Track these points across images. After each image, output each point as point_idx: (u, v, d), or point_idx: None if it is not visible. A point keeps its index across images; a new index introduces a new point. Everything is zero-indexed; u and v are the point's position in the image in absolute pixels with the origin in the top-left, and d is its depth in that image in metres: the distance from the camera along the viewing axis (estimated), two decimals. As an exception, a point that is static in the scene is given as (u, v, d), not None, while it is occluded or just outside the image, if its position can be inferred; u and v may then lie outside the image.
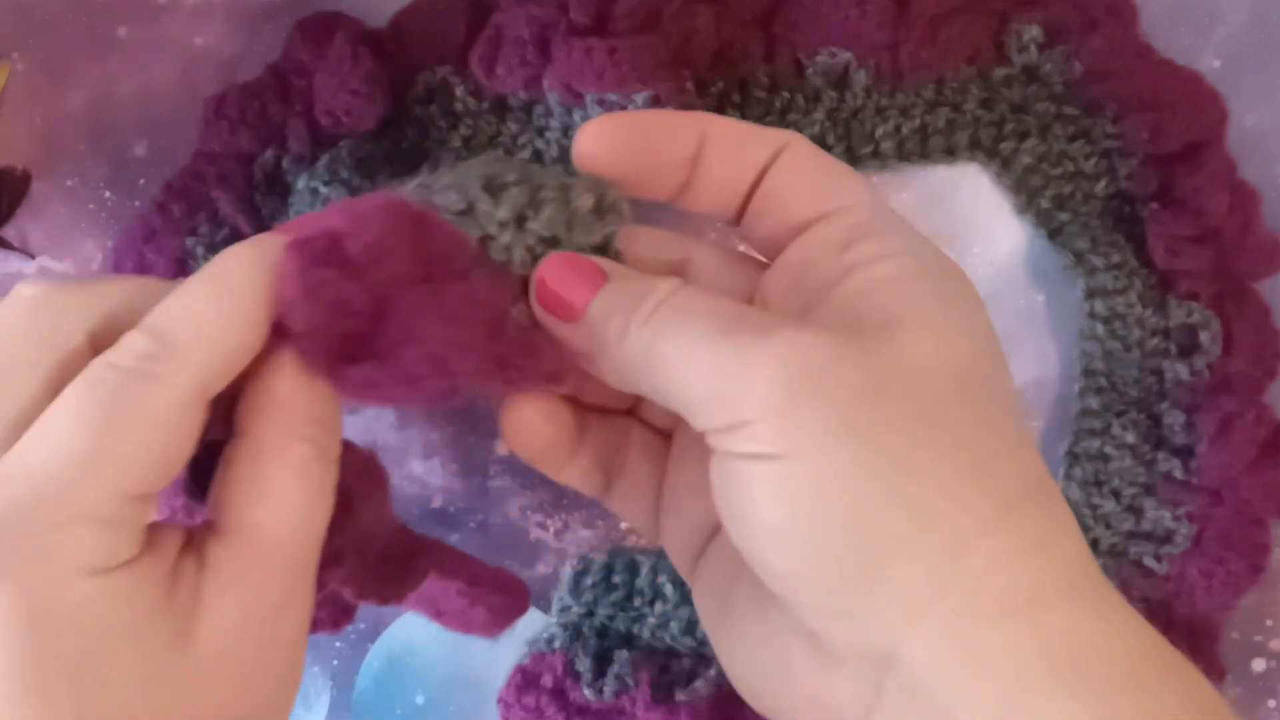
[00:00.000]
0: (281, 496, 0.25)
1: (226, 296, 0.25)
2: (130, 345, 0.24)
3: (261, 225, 0.40)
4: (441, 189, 0.28)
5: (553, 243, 0.28)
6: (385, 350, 0.25)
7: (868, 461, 0.23)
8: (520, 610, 0.33)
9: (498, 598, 0.32)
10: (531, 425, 0.29)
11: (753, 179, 0.28)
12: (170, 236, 0.40)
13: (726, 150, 0.28)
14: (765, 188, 0.28)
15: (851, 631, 0.24)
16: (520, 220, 0.28)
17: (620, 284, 0.27)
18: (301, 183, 0.39)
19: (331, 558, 0.27)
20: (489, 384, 0.27)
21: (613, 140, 0.28)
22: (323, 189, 0.39)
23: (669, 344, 0.25)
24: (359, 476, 0.28)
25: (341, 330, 0.25)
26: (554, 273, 0.27)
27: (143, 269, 0.40)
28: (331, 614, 0.33)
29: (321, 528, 0.26)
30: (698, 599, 0.30)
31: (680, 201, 0.30)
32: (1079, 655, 0.23)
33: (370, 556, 0.29)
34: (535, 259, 0.28)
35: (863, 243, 0.26)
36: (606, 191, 0.29)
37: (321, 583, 0.28)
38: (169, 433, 0.24)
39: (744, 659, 0.28)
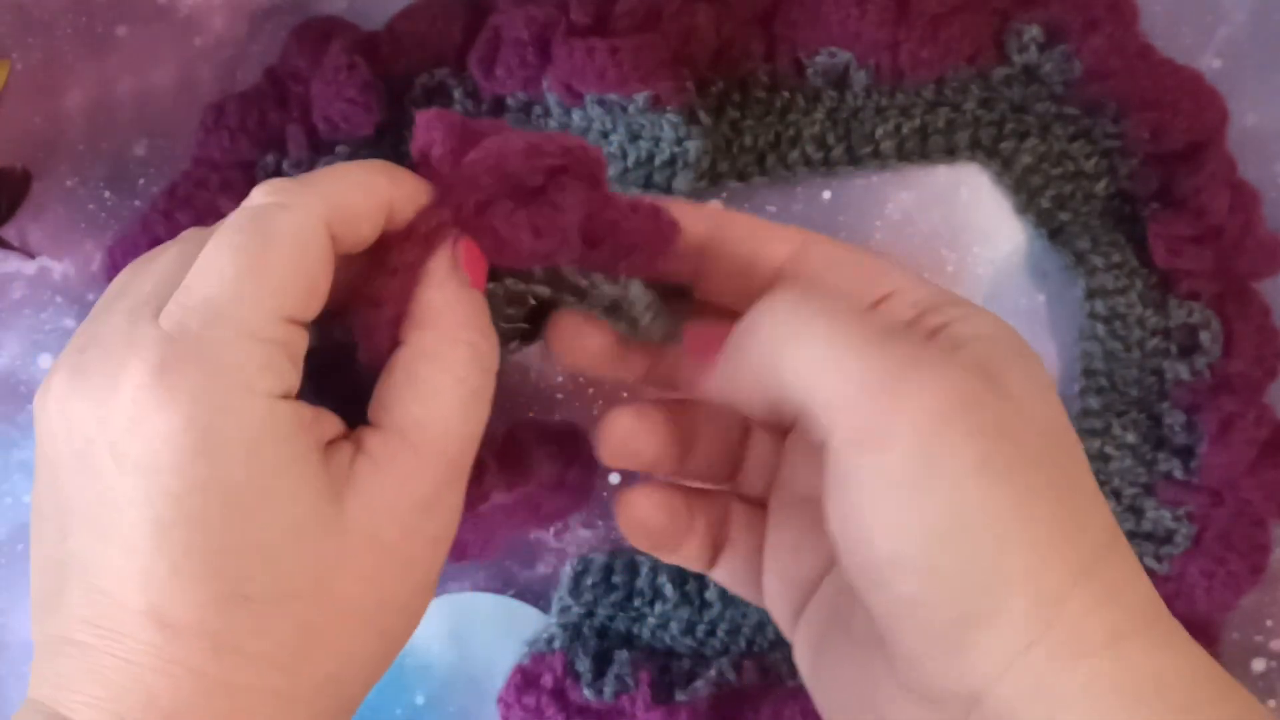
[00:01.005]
0: (438, 395, 0.26)
1: (356, 163, 0.28)
2: (266, 186, 0.27)
3: None
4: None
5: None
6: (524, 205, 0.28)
7: (999, 501, 0.24)
8: (593, 458, 0.33)
9: (583, 446, 0.33)
10: (648, 516, 0.31)
11: (770, 270, 0.30)
12: None
13: (743, 247, 0.30)
14: (805, 282, 0.30)
15: (952, 669, 0.25)
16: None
17: (768, 308, 0.28)
18: None
19: (483, 469, 0.29)
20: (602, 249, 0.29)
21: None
22: None
23: (819, 337, 0.26)
24: None
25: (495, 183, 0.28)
26: (697, 340, 0.30)
27: None
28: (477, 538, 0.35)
29: (477, 433, 0.27)
30: (798, 652, 0.31)
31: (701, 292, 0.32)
32: (1148, 686, 0.25)
33: (499, 449, 0.31)
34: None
35: (932, 314, 0.28)
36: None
37: (484, 494, 0.30)
38: (306, 254, 0.26)
39: (841, 708, 0.29)
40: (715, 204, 0.31)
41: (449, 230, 0.28)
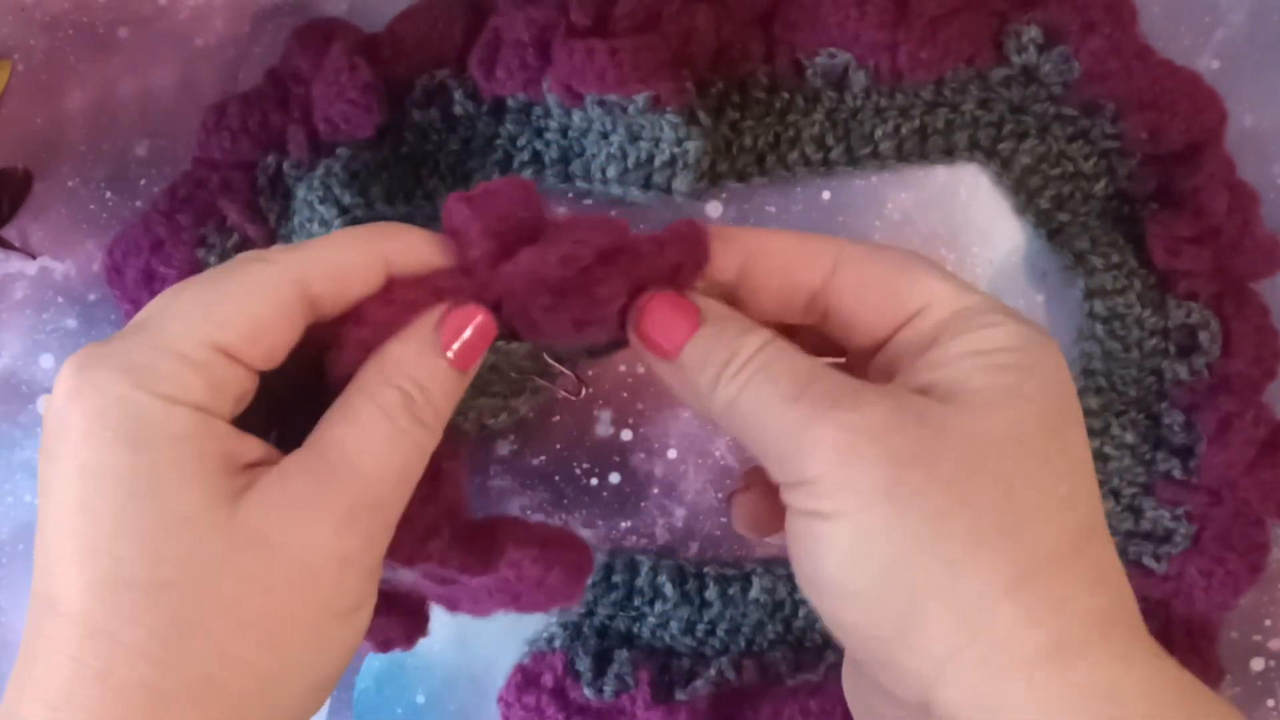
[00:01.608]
0: (360, 421, 0.27)
1: (356, 227, 0.29)
2: (259, 250, 0.28)
3: (268, 229, 0.40)
4: None
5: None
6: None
7: (906, 520, 0.25)
8: (589, 567, 0.34)
9: (569, 554, 0.33)
10: (762, 516, 0.33)
11: (810, 289, 0.30)
12: (179, 248, 0.40)
13: (776, 276, 0.30)
14: (836, 308, 0.30)
15: (899, 681, 0.27)
16: None
17: (713, 331, 0.29)
18: (301, 192, 0.40)
19: (430, 527, 0.30)
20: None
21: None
22: (317, 205, 0.39)
23: (750, 403, 0.28)
24: (446, 454, 0.30)
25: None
26: (653, 312, 0.30)
27: (149, 279, 0.40)
28: (404, 630, 0.35)
29: (402, 468, 0.28)
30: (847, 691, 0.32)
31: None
32: (1098, 701, 0.25)
33: (461, 527, 0.31)
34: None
35: (948, 329, 0.28)
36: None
37: (426, 554, 0.30)
38: (260, 300, 0.27)
39: (855, 705, 0.31)
40: (745, 227, 0.32)
41: (464, 296, 0.29)
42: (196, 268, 0.40)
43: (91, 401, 0.25)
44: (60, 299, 0.42)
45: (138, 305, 0.40)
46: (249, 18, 0.42)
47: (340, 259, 0.28)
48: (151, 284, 0.40)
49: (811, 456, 0.26)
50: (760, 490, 0.33)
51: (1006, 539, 0.25)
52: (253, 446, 0.27)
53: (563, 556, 0.33)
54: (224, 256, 0.40)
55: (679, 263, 0.30)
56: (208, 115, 0.40)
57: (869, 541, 0.26)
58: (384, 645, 0.36)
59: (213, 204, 0.40)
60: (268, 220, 0.40)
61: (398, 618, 0.35)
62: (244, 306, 0.27)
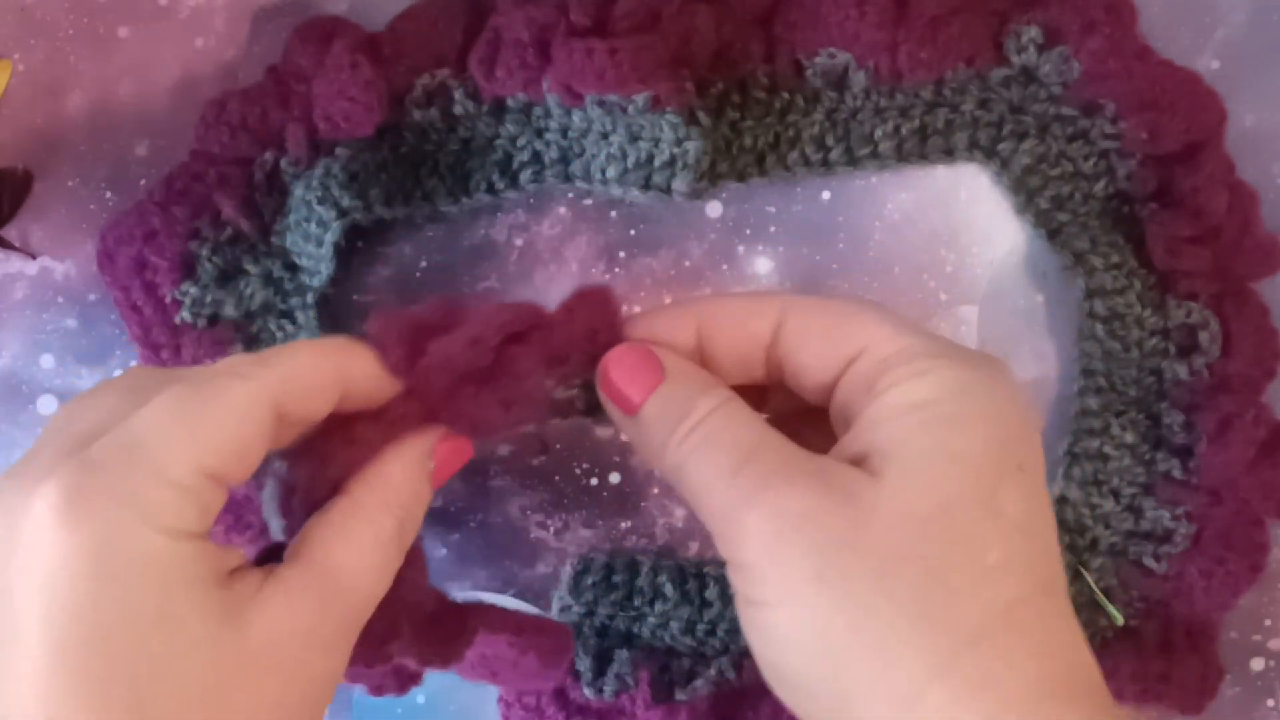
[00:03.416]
0: (364, 549, 0.29)
1: (315, 342, 0.31)
2: (231, 359, 0.30)
3: (263, 226, 0.40)
4: None
5: None
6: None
7: (834, 611, 0.26)
8: (566, 651, 0.36)
9: (544, 640, 0.35)
10: None
11: (762, 346, 0.31)
12: (172, 239, 0.40)
13: (727, 334, 0.31)
14: (785, 359, 0.31)
15: None
16: None
17: (670, 390, 0.30)
18: (299, 192, 0.40)
19: (390, 629, 0.31)
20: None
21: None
22: (315, 206, 0.39)
23: (694, 473, 0.29)
24: (406, 558, 0.32)
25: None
26: (617, 366, 0.31)
27: (140, 268, 0.40)
28: (397, 680, 0.37)
29: (379, 594, 0.30)
30: None
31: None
32: None
33: (423, 623, 0.32)
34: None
35: (884, 376, 0.28)
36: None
37: (387, 654, 0.31)
38: (243, 423, 0.28)
39: None
40: (692, 298, 0.34)
41: (414, 421, 0.31)
42: (188, 260, 0.40)
43: (94, 536, 0.25)
44: (60, 299, 0.42)
45: (128, 293, 0.40)
46: (249, 18, 0.42)
47: (307, 379, 0.29)
48: (142, 273, 0.40)
49: (745, 543, 0.27)
50: None
51: (932, 622, 0.26)
52: (233, 556, 0.28)
53: (538, 643, 0.34)
54: (216, 250, 0.40)
55: (592, 328, 0.31)
56: (207, 109, 0.40)
57: (801, 632, 0.26)
58: (378, 690, 0.37)
59: (208, 197, 0.40)
60: (262, 216, 0.40)
61: (392, 670, 0.36)
62: (230, 429, 0.27)
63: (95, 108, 0.42)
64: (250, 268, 0.40)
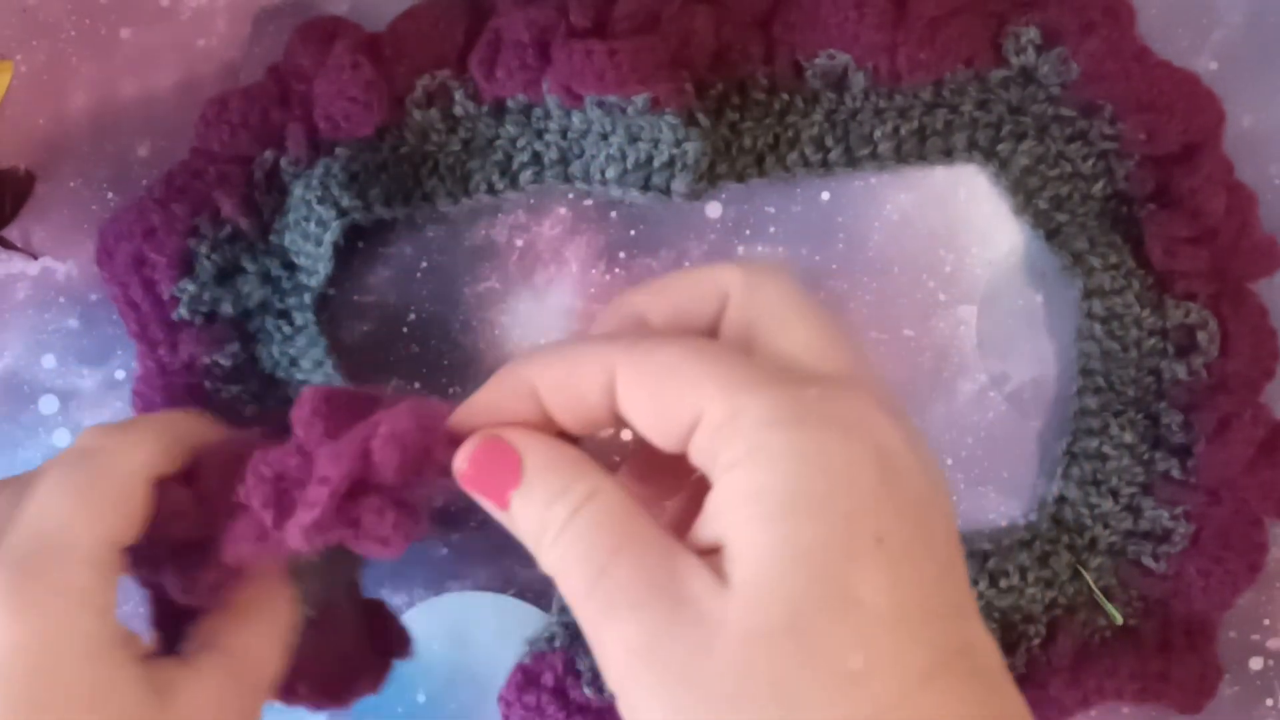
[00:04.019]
0: (263, 631, 0.33)
1: (166, 414, 0.35)
2: (93, 431, 0.33)
3: (262, 225, 0.40)
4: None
5: None
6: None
7: None
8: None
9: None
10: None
11: (604, 406, 0.28)
12: (171, 236, 0.40)
13: (561, 401, 0.28)
14: (626, 420, 0.28)
15: None
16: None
17: (527, 491, 0.27)
18: (299, 191, 0.40)
19: (289, 687, 0.36)
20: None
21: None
22: (315, 205, 0.39)
23: (561, 586, 0.27)
24: None
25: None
26: (472, 467, 0.28)
27: (139, 264, 0.40)
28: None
29: (281, 668, 0.34)
30: None
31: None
32: None
33: (323, 677, 0.37)
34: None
35: (721, 453, 0.25)
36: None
37: (295, 702, 0.37)
38: (132, 492, 0.31)
39: None
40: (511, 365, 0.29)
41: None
42: (186, 257, 0.40)
43: (37, 625, 0.28)
44: (62, 299, 0.42)
45: (125, 289, 0.40)
46: (251, 19, 0.42)
47: (165, 454, 0.32)
48: (140, 269, 0.40)
49: (606, 671, 0.25)
50: (641, 461, 0.31)
51: None
52: (137, 639, 0.32)
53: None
54: (215, 247, 0.40)
55: (425, 452, 0.29)
56: (208, 107, 0.40)
57: None
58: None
59: (208, 195, 0.40)
60: (261, 215, 0.40)
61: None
62: (122, 503, 0.30)
63: (97, 108, 0.42)
64: (248, 266, 0.40)
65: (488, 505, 0.28)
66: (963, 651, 0.25)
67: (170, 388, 0.40)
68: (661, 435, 0.27)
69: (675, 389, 0.26)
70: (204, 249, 0.40)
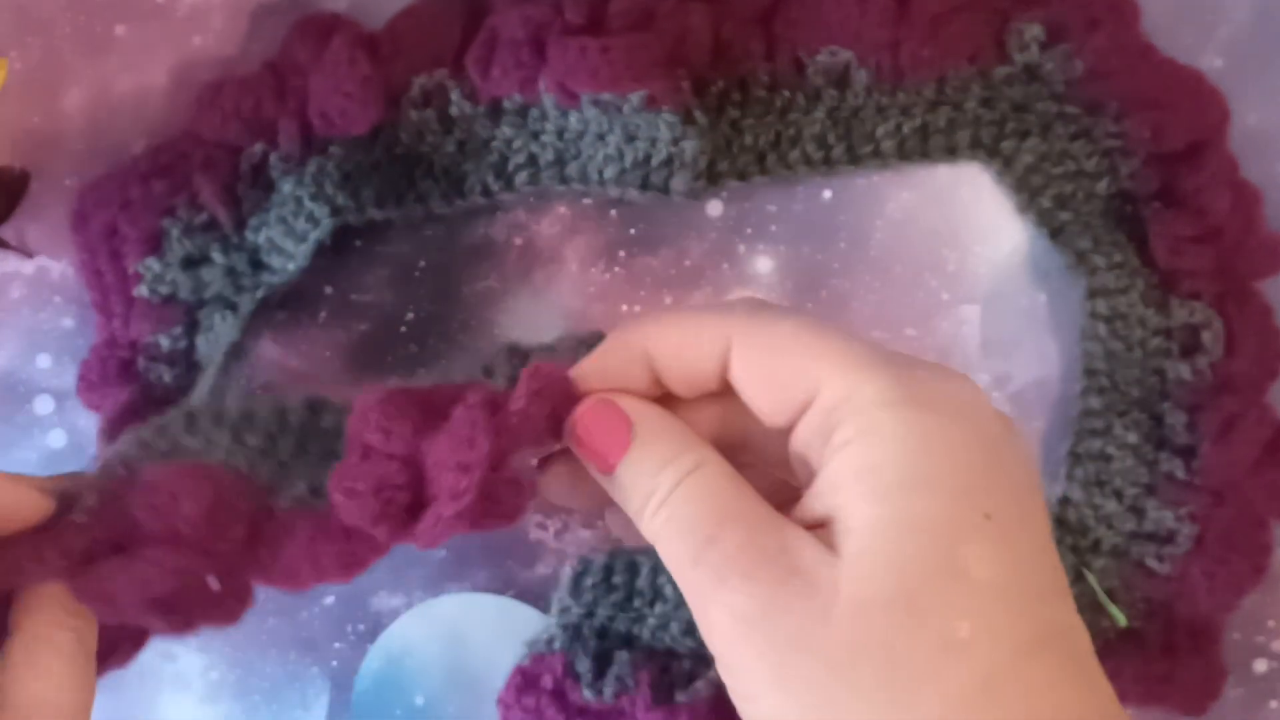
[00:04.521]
0: (54, 672, 0.30)
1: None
2: None
3: (239, 217, 0.40)
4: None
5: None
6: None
7: (803, 710, 0.25)
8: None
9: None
10: (573, 484, 0.32)
11: (715, 375, 0.29)
12: (146, 213, 0.39)
13: (675, 366, 0.29)
14: (737, 390, 0.29)
15: None
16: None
17: (639, 455, 0.29)
18: (288, 187, 0.39)
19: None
20: None
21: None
22: (308, 202, 0.39)
23: (664, 554, 0.28)
24: None
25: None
26: (586, 427, 0.30)
27: (110, 235, 0.39)
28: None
29: (86, 704, 0.30)
30: None
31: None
32: None
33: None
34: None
35: (836, 431, 0.27)
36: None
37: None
38: None
39: None
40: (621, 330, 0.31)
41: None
42: (158, 235, 0.39)
43: None
44: (57, 298, 0.42)
45: (94, 257, 0.40)
46: (247, 16, 0.42)
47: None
48: (111, 240, 0.40)
49: (710, 638, 0.26)
50: (568, 460, 0.32)
51: (900, 711, 0.24)
52: None
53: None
54: (187, 231, 0.39)
55: (552, 414, 0.30)
56: (203, 91, 0.40)
57: None
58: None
59: (190, 178, 0.40)
60: (240, 207, 0.40)
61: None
62: None
63: (92, 106, 0.42)
64: (216, 257, 0.40)
65: (592, 469, 0.30)
66: (1064, 631, 0.26)
67: (113, 360, 0.40)
68: (771, 407, 0.28)
69: (791, 364, 0.27)
70: (176, 231, 0.39)
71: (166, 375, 0.40)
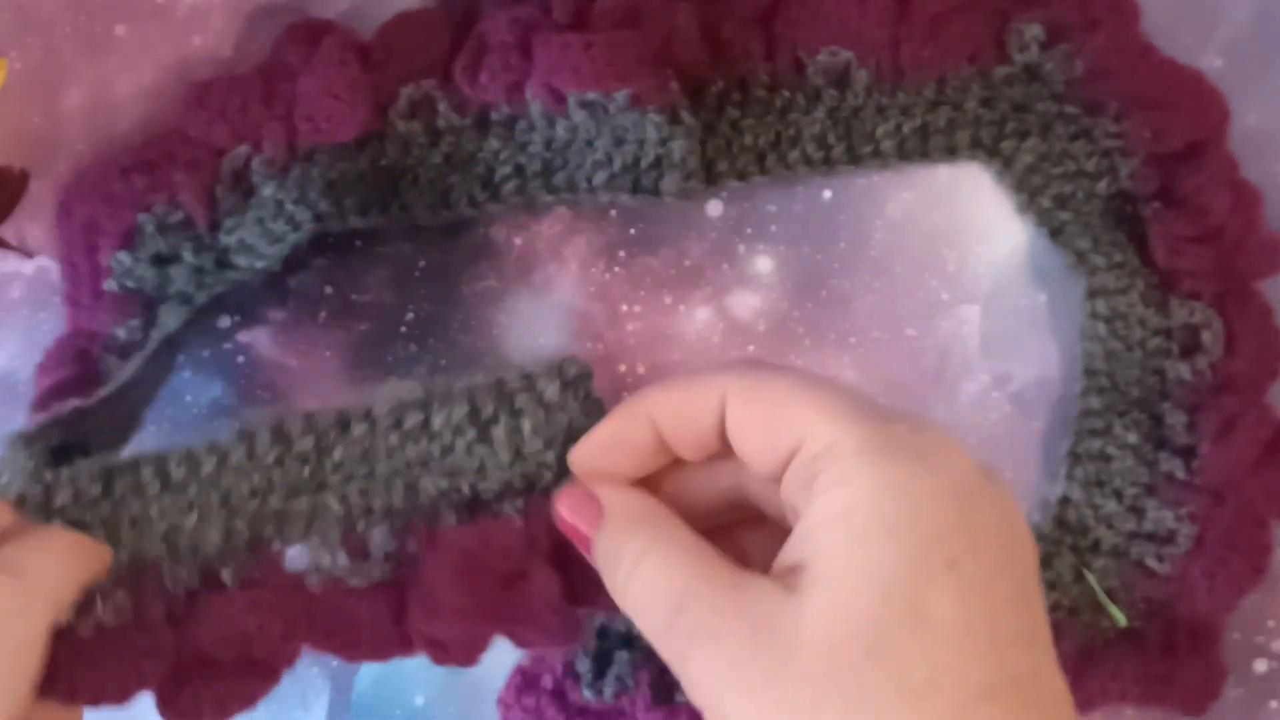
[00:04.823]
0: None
1: (68, 549, 0.31)
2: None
3: (214, 220, 0.40)
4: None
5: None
6: None
7: None
8: None
9: None
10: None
11: (715, 431, 0.31)
12: (125, 208, 0.39)
13: (677, 427, 0.31)
14: (733, 445, 0.30)
15: None
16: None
17: (606, 536, 0.31)
18: (269, 191, 0.39)
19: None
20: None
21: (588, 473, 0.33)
22: (289, 205, 0.38)
23: (638, 620, 0.29)
24: None
25: None
26: (564, 509, 0.32)
27: (90, 229, 0.39)
28: None
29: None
30: None
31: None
32: None
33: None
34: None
35: (817, 478, 0.28)
36: (565, 368, 0.34)
37: None
38: (29, 657, 0.28)
39: None
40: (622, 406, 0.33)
41: None
42: (133, 231, 0.39)
43: None
44: (57, 299, 0.42)
45: (72, 249, 0.40)
46: (247, 17, 0.42)
47: (69, 586, 0.30)
48: (90, 234, 0.39)
49: (693, 692, 0.27)
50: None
51: None
52: None
53: None
54: (161, 229, 0.39)
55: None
56: (191, 90, 0.39)
57: None
58: None
59: (171, 176, 0.39)
60: (217, 209, 0.39)
61: None
62: (26, 665, 0.28)
63: (92, 106, 0.42)
64: (187, 257, 0.39)
65: (582, 550, 0.32)
66: (1030, 677, 0.26)
67: (71, 350, 0.40)
68: (760, 457, 0.29)
69: (780, 415, 0.29)
70: (151, 227, 0.39)
71: (114, 366, 0.40)
